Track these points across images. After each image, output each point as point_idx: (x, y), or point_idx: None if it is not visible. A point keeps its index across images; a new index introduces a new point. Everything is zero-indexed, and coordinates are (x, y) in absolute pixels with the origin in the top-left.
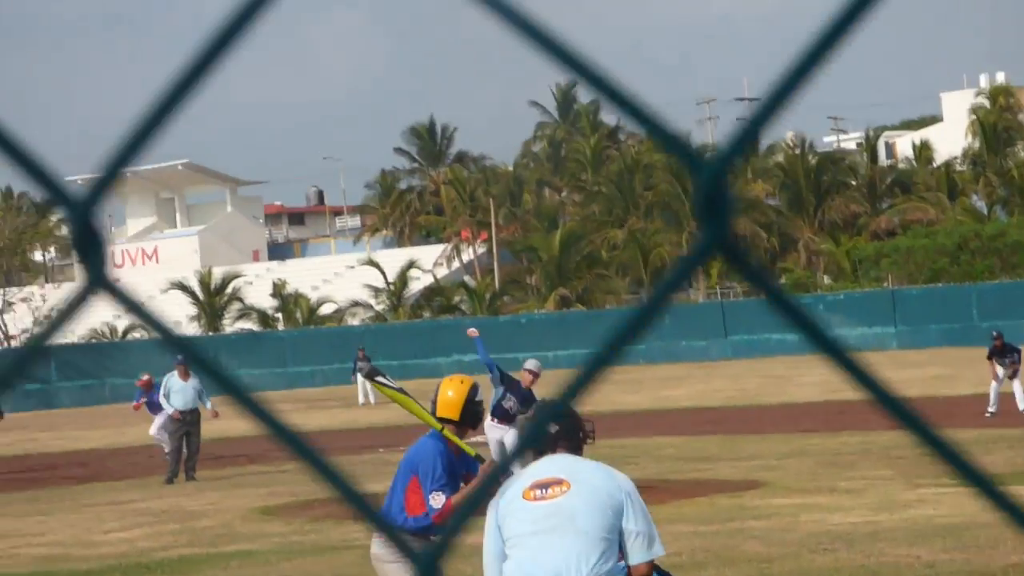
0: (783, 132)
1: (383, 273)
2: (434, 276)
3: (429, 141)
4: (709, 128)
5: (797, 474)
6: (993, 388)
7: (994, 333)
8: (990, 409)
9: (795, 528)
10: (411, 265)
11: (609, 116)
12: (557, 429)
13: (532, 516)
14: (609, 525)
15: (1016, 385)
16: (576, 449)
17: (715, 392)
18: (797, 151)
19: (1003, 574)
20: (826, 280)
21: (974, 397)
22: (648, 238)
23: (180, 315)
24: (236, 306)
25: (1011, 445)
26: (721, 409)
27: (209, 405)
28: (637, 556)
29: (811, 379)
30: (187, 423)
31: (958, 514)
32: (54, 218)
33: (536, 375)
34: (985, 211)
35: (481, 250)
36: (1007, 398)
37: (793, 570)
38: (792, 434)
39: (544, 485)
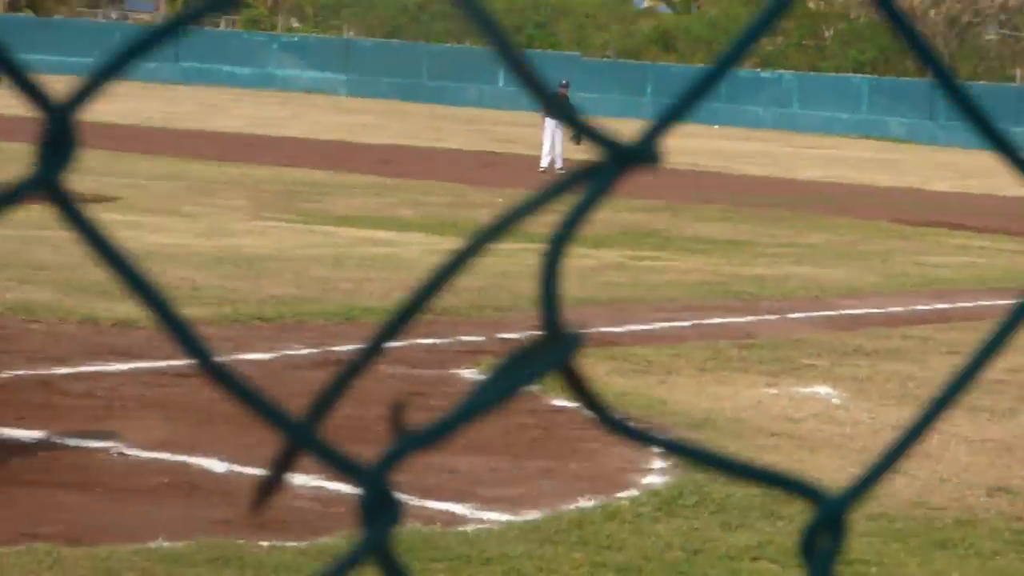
0: None
1: None
2: None
3: None
4: None
5: (156, 195)
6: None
7: (563, 81)
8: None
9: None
10: None
11: None
12: None
13: None
14: None
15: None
16: None
17: (139, 112)
18: None
19: (258, 305)
20: (293, 23)
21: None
22: None
23: None
24: None
25: None
26: (135, 128)
27: None
28: None
29: (243, 111)
30: None
31: (273, 247)
32: None
33: None
34: None
35: None
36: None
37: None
38: (186, 157)
39: None
